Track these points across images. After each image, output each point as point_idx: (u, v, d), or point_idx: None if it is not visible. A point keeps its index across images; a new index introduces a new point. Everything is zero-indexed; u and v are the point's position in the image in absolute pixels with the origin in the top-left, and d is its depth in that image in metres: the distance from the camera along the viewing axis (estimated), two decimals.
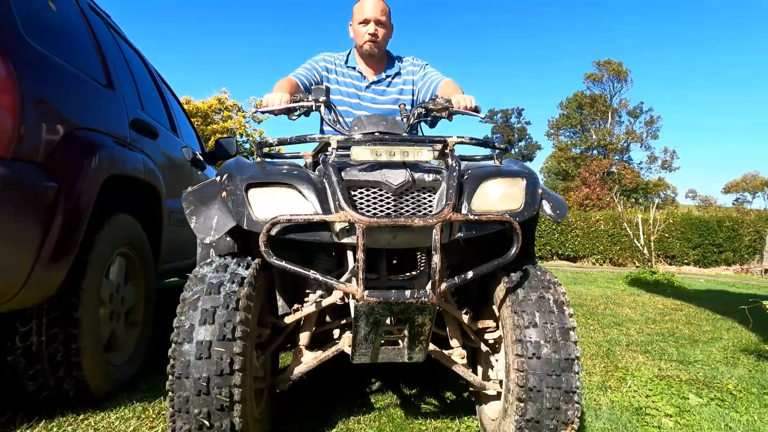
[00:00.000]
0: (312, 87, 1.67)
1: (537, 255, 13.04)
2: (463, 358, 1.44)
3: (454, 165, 1.25)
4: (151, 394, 1.78)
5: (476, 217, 1.20)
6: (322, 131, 1.77)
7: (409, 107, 1.96)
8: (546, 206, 1.40)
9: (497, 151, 1.49)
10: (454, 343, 1.46)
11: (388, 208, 1.21)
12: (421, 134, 1.90)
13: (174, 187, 2.54)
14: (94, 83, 1.88)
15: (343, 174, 1.21)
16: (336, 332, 1.54)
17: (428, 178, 1.24)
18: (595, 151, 44.01)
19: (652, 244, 6.39)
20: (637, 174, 41.92)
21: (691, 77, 58.38)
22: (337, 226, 1.17)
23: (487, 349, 1.51)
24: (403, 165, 1.23)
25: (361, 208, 1.20)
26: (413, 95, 2.01)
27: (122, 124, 2.03)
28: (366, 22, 1.87)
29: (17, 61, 1.38)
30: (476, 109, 1.69)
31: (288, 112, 1.61)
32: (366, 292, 1.09)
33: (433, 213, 1.18)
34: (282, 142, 1.33)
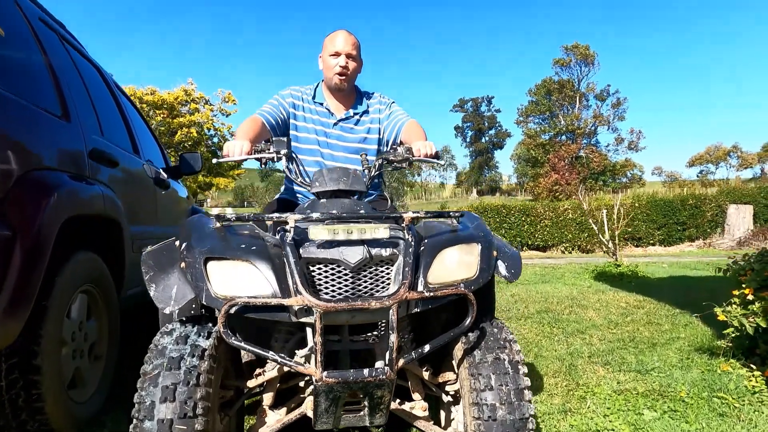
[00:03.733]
0: (273, 138, 1.62)
1: None
2: (425, 411, 1.46)
3: (410, 240, 1.26)
4: None
5: (432, 294, 1.23)
6: (286, 180, 1.74)
7: (371, 157, 1.95)
8: (501, 267, 1.46)
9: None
10: (416, 396, 1.48)
11: (347, 285, 1.23)
12: (382, 183, 1.93)
13: (137, 212, 2.51)
14: (48, 116, 1.78)
15: (301, 250, 1.21)
16: (302, 383, 1.54)
17: (385, 252, 1.25)
18: (563, 137, 44.94)
19: (617, 239, 6.56)
20: (605, 157, 43.05)
21: (655, 57, 59.95)
22: (296, 307, 1.17)
23: (450, 399, 1.54)
24: (361, 242, 1.23)
25: (320, 285, 1.22)
26: (379, 134, 2.02)
27: (80, 158, 1.94)
28: (337, 54, 1.88)
29: None
30: (436, 155, 1.72)
31: (254, 156, 1.62)
32: (324, 374, 1.13)
33: (389, 293, 1.20)
34: (240, 219, 1.30)
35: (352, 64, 1.91)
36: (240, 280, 1.19)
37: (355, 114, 2.01)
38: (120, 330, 2.25)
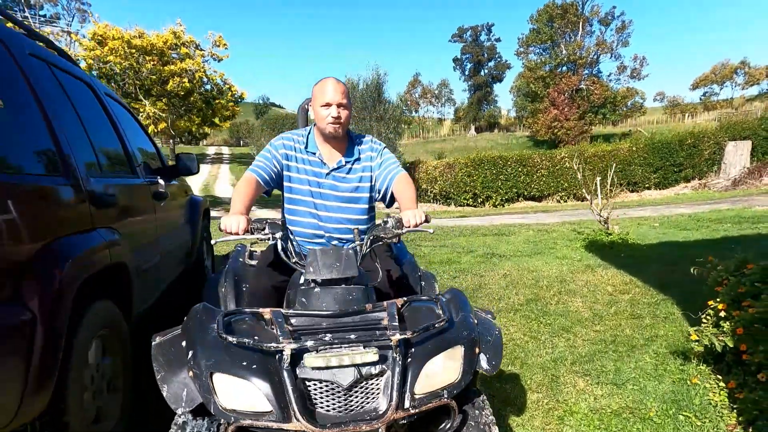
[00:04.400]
0: (268, 220, 1.68)
1: (503, 197, 13.31)
2: None
3: (398, 359, 1.37)
4: None
5: (418, 410, 1.36)
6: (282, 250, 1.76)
7: (362, 227, 2.02)
8: (483, 361, 1.56)
9: None
10: None
11: (340, 400, 1.35)
12: (373, 255, 1.99)
13: (138, 235, 2.54)
14: (51, 182, 1.75)
15: (298, 370, 1.33)
16: None
17: (375, 371, 1.37)
18: (564, 68, 43.50)
19: (608, 212, 6.64)
20: (606, 87, 41.94)
21: None
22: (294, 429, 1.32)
23: None
24: (352, 365, 1.35)
25: (315, 399, 1.34)
26: (371, 181, 2.09)
27: (83, 210, 1.92)
28: (328, 105, 1.92)
29: None
30: (427, 220, 1.78)
31: (250, 237, 1.69)
32: None
33: (378, 414, 1.33)
34: (240, 344, 1.38)
35: (344, 113, 1.95)
36: (244, 397, 1.30)
37: (347, 163, 2.05)
38: (131, 351, 2.31)
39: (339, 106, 1.93)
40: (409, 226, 1.75)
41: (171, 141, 22.19)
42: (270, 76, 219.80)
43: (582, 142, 32.22)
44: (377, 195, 2.11)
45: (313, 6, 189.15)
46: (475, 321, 1.65)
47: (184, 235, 3.76)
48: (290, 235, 1.80)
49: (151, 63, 11.64)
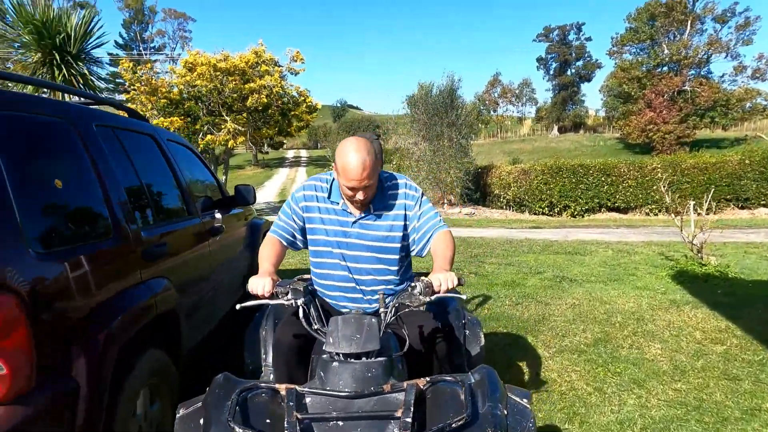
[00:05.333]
0: (291, 286, 1.65)
1: (583, 208, 12.34)
2: None
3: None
4: None
5: None
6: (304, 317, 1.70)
7: (390, 288, 1.95)
8: None
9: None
10: None
11: None
12: (400, 322, 1.83)
13: (191, 276, 2.64)
14: (100, 247, 1.83)
15: None
16: None
17: None
18: (664, 68, 39.88)
19: (705, 238, 5.78)
20: (717, 89, 37.81)
21: None
22: None
23: None
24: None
25: None
26: (404, 230, 1.94)
27: (131, 269, 1.99)
28: (352, 189, 1.76)
29: (27, 288, 1.40)
30: (460, 283, 1.68)
31: (273, 301, 1.68)
32: None
33: None
34: (256, 392, 1.40)
35: (369, 192, 1.81)
36: None
37: (375, 211, 1.91)
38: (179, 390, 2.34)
39: (364, 189, 1.76)
40: (438, 292, 1.64)
41: (254, 147, 23.72)
42: (348, 79, 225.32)
43: (680, 148, 29.28)
44: (413, 246, 1.97)
45: (392, 7, 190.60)
46: (505, 411, 1.41)
47: (242, 261, 3.83)
48: (319, 295, 1.84)
49: (233, 82, 12.43)
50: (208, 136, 12.13)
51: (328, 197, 1.92)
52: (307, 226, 1.95)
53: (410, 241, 1.96)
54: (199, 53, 12.53)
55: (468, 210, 15.98)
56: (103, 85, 7.99)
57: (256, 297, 1.69)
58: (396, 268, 1.95)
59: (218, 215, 3.20)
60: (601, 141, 43.51)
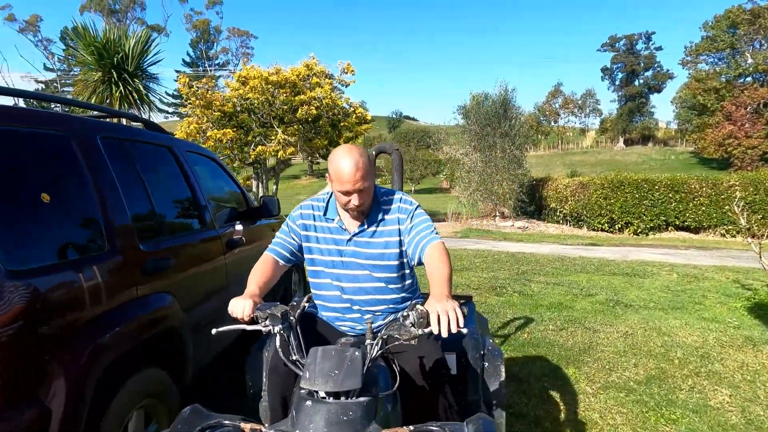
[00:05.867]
0: (269, 312, 1.49)
1: (648, 225, 11.41)
2: None
3: None
4: None
5: None
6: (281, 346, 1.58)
7: (379, 323, 1.80)
8: None
9: None
10: None
11: None
12: (390, 354, 1.64)
13: (200, 291, 2.57)
14: (89, 261, 1.78)
15: None
16: None
17: None
18: (748, 78, 36.75)
19: None
20: None
21: None
22: None
23: None
24: None
25: None
26: (400, 246, 1.82)
27: (124, 284, 1.93)
28: (347, 193, 1.69)
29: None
30: (463, 314, 1.40)
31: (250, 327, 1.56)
32: None
33: None
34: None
35: (365, 196, 1.72)
36: None
37: (370, 226, 1.81)
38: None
39: (359, 192, 1.69)
40: (437, 332, 1.37)
41: (309, 158, 24.58)
42: (405, 90, 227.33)
43: (763, 165, 26.69)
44: (413, 262, 1.82)
45: (450, 20, 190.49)
46: None
47: None
48: (320, 317, 1.78)
49: (284, 95, 12.77)
50: (259, 147, 12.43)
51: (324, 214, 1.85)
52: (304, 245, 1.88)
53: (404, 248, 1.82)
54: (253, 67, 12.95)
55: (521, 223, 15.31)
56: (157, 99, 8.36)
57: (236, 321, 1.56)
58: (396, 286, 1.84)
59: (239, 227, 3.12)
60: (672, 155, 40.79)
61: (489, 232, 14.07)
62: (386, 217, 1.81)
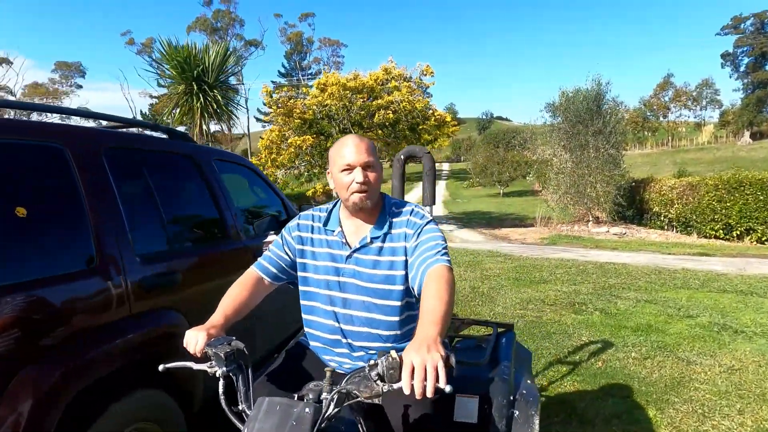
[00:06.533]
0: (213, 351, 1.30)
1: (727, 230, 9.68)
2: None
3: None
4: None
5: None
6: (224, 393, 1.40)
7: (386, 346, 1.50)
8: None
9: None
10: None
11: None
12: (357, 409, 1.32)
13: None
14: (74, 278, 1.75)
15: None
16: None
17: None
18: None
19: None
20: None
21: None
22: None
23: None
24: None
25: None
26: (406, 268, 1.52)
27: (116, 306, 1.86)
28: (350, 168, 1.48)
29: None
30: (448, 366, 1.08)
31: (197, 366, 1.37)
32: None
33: None
34: None
35: (372, 174, 1.49)
36: None
37: (373, 240, 1.53)
38: None
39: (365, 167, 1.47)
40: (408, 392, 1.04)
41: (390, 162, 25.00)
42: (497, 90, 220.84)
43: None
44: (415, 290, 1.48)
45: (546, 18, 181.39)
46: None
47: None
48: (311, 350, 1.60)
49: (361, 100, 12.82)
50: None
51: (324, 225, 1.61)
52: (298, 261, 1.64)
53: (409, 273, 1.51)
54: (334, 75, 13.23)
55: (618, 230, 13.88)
56: (235, 108, 8.77)
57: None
58: (396, 319, 1.52)
59: (271, 237, 2.99)
60: None
61: (579, 238, 12.94)
62: (393, 231, 1.53)
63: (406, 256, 1.50)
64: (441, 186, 39.57)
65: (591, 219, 15.01)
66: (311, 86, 13.18)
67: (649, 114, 55.39)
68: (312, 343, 1.65)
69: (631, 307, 5.36)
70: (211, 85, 7.70)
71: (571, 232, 14.33)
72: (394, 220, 1.54)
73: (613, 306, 5.42)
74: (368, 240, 1.52)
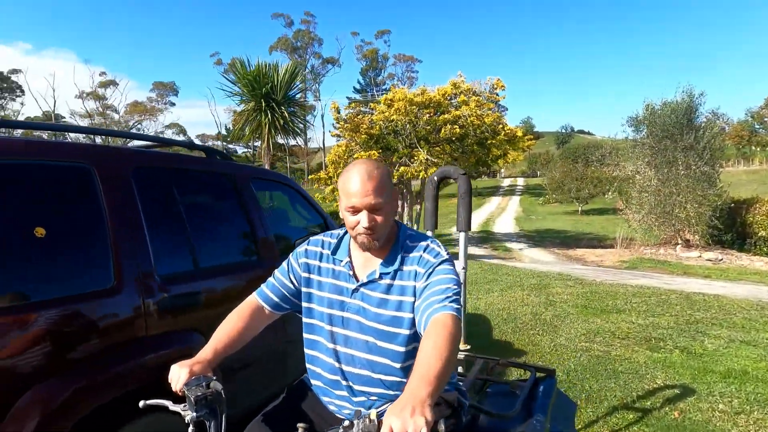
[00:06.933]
0: (188, 391, 1.21)
1: None
2: None
3: None
4: None
5: None
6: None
7: (388, 394, 1.37)
8: None
9: None
10: None
11: None
12: None
13: None
14: (87, 298, 1.74)
15: None
16: None
17: None
18: None
19: None
20: None
21: None
22: None
23: None
24: None
25: None
26: (413, 311, 1.36)
27: (130, 326, 1.84)
28: (355, 209, 1.32)
29: None
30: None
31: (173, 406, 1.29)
32: None
33: None
34: None
35: (378, 217, 1.34)
36: None
37: (383, 276, 1.38)
38: None
39: (372, 210, 1.31)
40: None
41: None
42: (578, 103, 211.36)
43: None
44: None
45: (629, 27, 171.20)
46: None
47: None
48: (313, 390, 1.47)
49: (428, 115, 12.71)
50: (401, 168, 12.56)
51: (333, 253, 1.47)
52: (303, 290, 1.50)
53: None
54: (402, 90, 13.26)
55: (712, 255, 12.43)
56: (301, 125, 9.01)
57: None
58: (398, 365, 1.35)
59: None
60: None
61: (665, 263, 11.75)
62: (405, 268, 1.37)
63: (415, 297, 1.33)
64: (514, 202, 38.30)
65: (680, 242, 13.61)
66: (380, 102, 13.29)
67: (757, 126, 49.87)
68: (313, 382, 1.51)
69: (722, 348, 4.64)
70: (278, 101, 7.98)
71: (655, 255, 13.07)
72: (407, 255, 1.38)
73: (699, 345, 4.73)
74: (377, 275, 1.37)
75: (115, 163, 1.94)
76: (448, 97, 13.39)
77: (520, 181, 54.51)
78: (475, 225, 24.97)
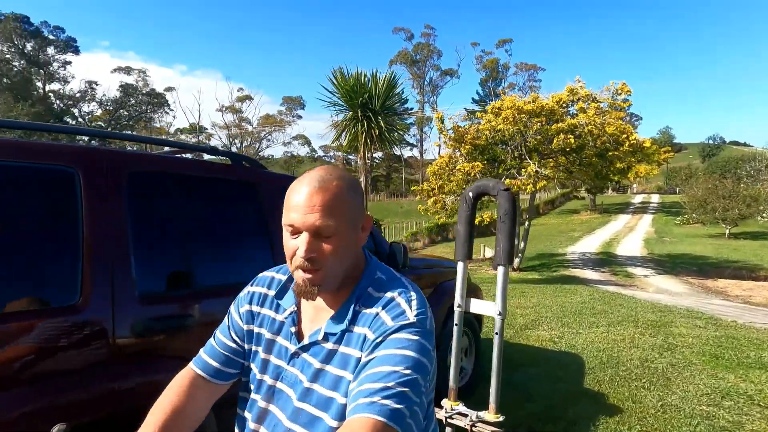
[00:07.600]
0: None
1: None
2: None
3: None
4: None
5: None
6: None
7: None
8: None
9: None
10: None
11: None
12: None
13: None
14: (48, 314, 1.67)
15: None
16: None
17: None
18: None
19: None
20: None
21: None
22: None
23: None
24: None
25: None
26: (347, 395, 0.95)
27: (92, 353, 1.71)
28: (294, 230, 0.95)
29: None
30: None
31: None
32: None
33: None
34: None
35: (326, 246, 0.93)
36: None
37: (327, 336, 0.99)
38: None
39: (316, 233, 0.93)
40: None
41: (587, 193, 22.80)
42: (729, 110, 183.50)
43: None
44: None
45: None
46: None
47: None
48: None
49: (539, 123, 11.87)
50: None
51: (278, 296, 1.10)
52: (246, 347, 1.13)
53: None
54: (511, 97, 12.62)
55: None
56: (396, 135, 8.90)
57: None
58: None
59: None
60: None
61: None
62: (356, 328, 0.96)
63: (357, 367, 0.93)
64: (646, 221, 34.25)
65: None
66: (487, 111, 12.75)
67: None
68: None
69: None
70: (375, 111, 7.98)
71: None
72: (363, 310, 0.97)
73: (743, 383, 3.53)
74: (320, 335, 0.99)
75: (105, 168, 1.80)
76: (564, 105, 12.39)
77: (655, 198, 48.92)
78: (597, 245, 22.71)
